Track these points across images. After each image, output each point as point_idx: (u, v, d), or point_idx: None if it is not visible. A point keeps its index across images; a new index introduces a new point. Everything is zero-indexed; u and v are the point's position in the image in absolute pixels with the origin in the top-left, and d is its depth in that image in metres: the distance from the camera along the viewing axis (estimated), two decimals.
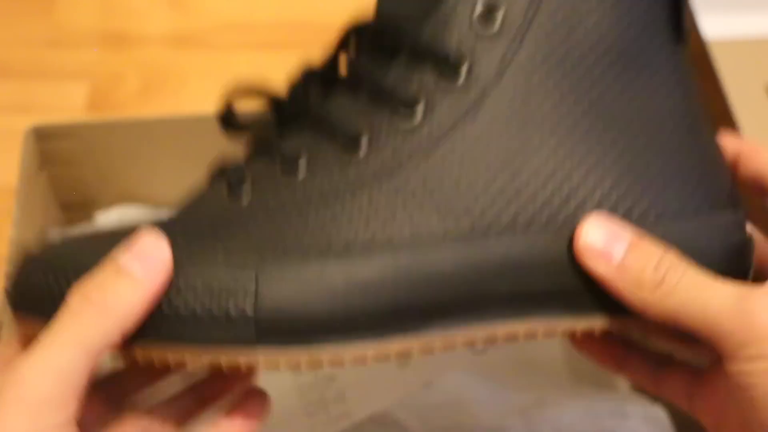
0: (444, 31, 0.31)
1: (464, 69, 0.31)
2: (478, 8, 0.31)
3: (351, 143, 0.31)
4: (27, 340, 0.30)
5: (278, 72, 0.63)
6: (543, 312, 0.31)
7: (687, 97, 0.33)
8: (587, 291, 0.31)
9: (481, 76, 0.31)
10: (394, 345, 0.30)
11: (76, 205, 0.51)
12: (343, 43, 0.36)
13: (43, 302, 0.29)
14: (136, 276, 0.28)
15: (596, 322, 0.32)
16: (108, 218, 0.49)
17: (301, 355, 0.29)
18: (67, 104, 0.62)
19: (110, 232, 0.32)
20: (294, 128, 0.33)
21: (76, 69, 0.64)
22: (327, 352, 0.29)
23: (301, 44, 0.65)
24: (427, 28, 0.31)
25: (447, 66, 0.31)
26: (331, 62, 0.37)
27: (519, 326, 0.31)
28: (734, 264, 0.32)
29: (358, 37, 0.34)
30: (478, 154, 0.31)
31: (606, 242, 0.30)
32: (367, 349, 0.30)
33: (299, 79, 0.37)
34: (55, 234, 0.49)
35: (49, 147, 0.48)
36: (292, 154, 0.32)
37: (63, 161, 0.49)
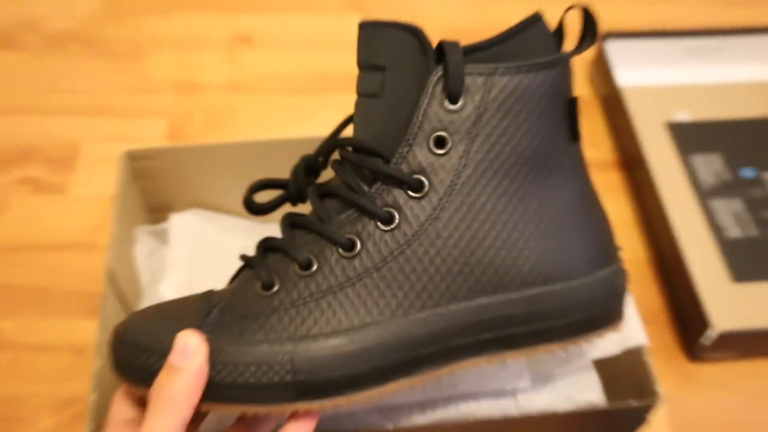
0: (408, 154, 0.31)
1: (426, 183, 0.31)
2: (433, 136, 0.31)
3: (348, 246, 0.31)
4: (127, 390, 0.32)
5: (307, 110, 0.64)
6: (492, 350, 0.33)
7: (582, 183, 0.34)
8: (524, 334, 0.32)
9: (438, 187, 0.31)
10: (390, 387, 0.31)
11: (158, 209, 0.51)
12: (332, 148, 0.37)
13: (130, 368, 0.31)
14: (181, 368, 0.29)
15: (528, 352, 0.33)
16: (180, 218, 0.48)
17: (327, 403, 0.30)
18: (151, 135, 0.62)
19: (168, 309, 0.33)
20: (301, 237, 0.33)
21: (157, 109, 0.64)
22: (345, 399, 0.30)
23: (324, 89, 0.66)
24: (396, 153, 0.31)
25: (412, 182, 0.31)
26: (324, 159, 0.37)
27: (469, 363, 0.33)
28: (618, 299, 0.34)
29: (343, 153, 0.34)
30: (442, 245, 0.31)
31: None
32: (372, 393, 0.31)
33: (300, 171, 0.37)
34: (143, 231, 0.48)
35: (138, 166, 0.48)
36: (306, 258, 0.32)
37: (148, 176, 0.49)
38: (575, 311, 0.33)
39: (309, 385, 0.30)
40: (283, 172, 0.41)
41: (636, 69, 0.64)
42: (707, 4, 0.73)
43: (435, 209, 0.31)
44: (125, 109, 0.63)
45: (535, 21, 0.32)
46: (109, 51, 0.68)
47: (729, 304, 0.50)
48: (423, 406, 0.38)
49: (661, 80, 0.64)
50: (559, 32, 0.33)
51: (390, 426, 0.37)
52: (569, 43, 0.34)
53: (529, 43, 0.32)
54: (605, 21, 0.68)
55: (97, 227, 0.55)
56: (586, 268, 0.33)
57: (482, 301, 0.32)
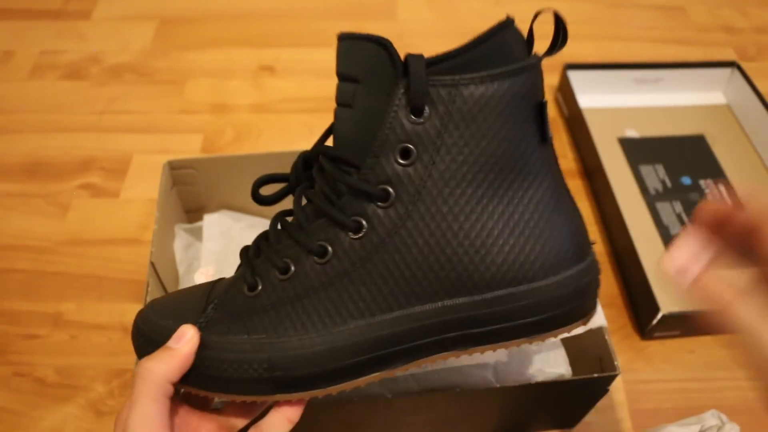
0: (375, 165, 0.26)
1: (392, 193, 0.26)
2: (399, 147, 0.26)
3: (320, 253, 0.27)
4: None
5: (319, 127, 0.62)
6: (459, 347, 0.28)
7: (552, 182, 0.28)
8: (490, 333, 0.28)
9: (404, 197, 0.26)
10: (362, 380, 0.28)
11: (193, 209, 0.49)
12: (318, 153, 0.31)
13: (143, 355, 0.28)
14: (173, 349, 0.27)
15: (495, 347, 0.28)
16: (212, 218, 0.47)
17: (303, 395, 0.28)
18: (189, 148, 0.60)
19: (177, 300, 0.30)
20: (284, 240, 0.29)
21: (194, 127, 0.62)
22: (319, 392, 0.27)
23: (332, 110, 0.64)
24: (366, 162, 0.26)
25: (378, 194, 0.26)
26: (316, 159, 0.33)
27: (437, 358, 0.29)
28: (587, 295, 0.29)
29: (321, 161, 0.29)
30: (406, 252, 0.27)
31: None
32: (345, 386, 0.28)
33: (299, 166, 0.32)
34: (181, 229, 0.47)
35: (178, 174, 0.46)
36: (284, 263, 0.28)
37: (186, 182, 0.47)
38: (541, 311, 0.28)
39: (285, 381, 0.27)
40: None
41: (593, 94, 0.64)
42: (650, 42, 0.73)
43: (401, 218, 0.26)
44: (168, 127, 0.62)
45: (507, 26, 0.26)
46: (156, 79, 0.67)
47: (672, 290, 0.49)
48: (417, 377, 0.37)
49: (614, 103, 0.64)
50: (529, 38, 0.28)
51: (388, 395, 0.36)
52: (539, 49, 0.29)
53: (502, 47, 0.26)
54: (568, 56, 0.68)
55: (143, 225, 0.54)
56: (553, 269, 0.27)
57: (447, 302, 0.27)
